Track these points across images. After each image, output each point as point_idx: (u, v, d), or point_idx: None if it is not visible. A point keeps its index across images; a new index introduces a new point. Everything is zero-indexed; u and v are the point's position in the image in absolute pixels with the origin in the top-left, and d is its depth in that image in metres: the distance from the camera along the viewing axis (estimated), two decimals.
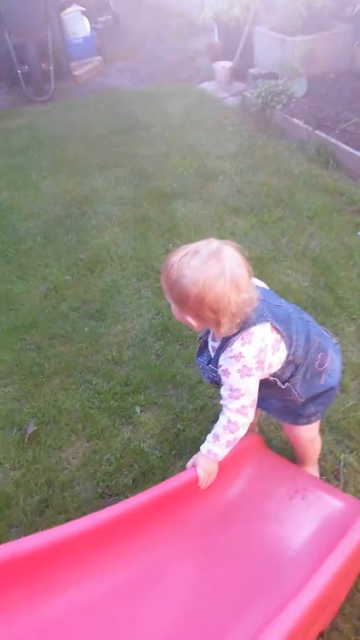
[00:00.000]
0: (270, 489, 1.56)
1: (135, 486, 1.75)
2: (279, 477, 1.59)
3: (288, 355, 1.36)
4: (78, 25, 5.74)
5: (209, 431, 1.44)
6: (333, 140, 3.50)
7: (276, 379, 1.40)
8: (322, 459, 1.77)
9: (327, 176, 3.36)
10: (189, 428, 1.91)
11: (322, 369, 1.44)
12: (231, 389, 1.35)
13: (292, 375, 1.40)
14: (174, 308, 1.30)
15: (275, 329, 1.32)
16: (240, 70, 4.94)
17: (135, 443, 1.89)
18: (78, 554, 1.33)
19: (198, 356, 1.52)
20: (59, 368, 2.22)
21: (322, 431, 1.83)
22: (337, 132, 3.60)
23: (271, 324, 1.31)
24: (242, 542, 1.45)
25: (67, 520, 1.48)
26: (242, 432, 1.41)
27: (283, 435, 1.84)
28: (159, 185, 3.49)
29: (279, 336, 1.33)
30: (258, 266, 2.55)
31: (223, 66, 4.99)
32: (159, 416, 1.98)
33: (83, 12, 5.76)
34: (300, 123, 3.81)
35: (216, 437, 1.42)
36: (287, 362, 1.37)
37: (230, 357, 1.31)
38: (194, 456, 1.47)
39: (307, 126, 3.74)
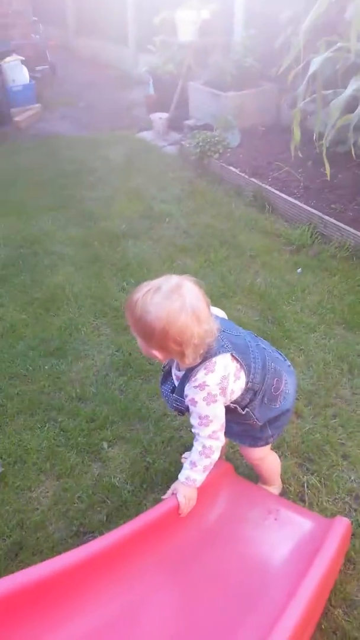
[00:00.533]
0: (243, 513, 1.61)
1: (110, 522, 1.74)
2: (250, 501, 1.66)
3: (247, 382, 1.45)
4: (18, 73, 5.86)
5: (178, 462, 1.50)
6: (267, 187, 3.79)
7: (236, 405, 1.48)
8: (286, 483, 1.86)
9: (265, 219, 3.61)
10: (158, 461, 1.94)
11: (277, 393, 1.54)
12: (200, 417, 1.42)
13: (250, 401, 1.49)
14: (140, 342, 1.37)
15: (235, 358, 1.41)
16: (176, 121, 5.23)
17: (105, 479, 1.89)
18: (59, 594, 1.30)
19: (162, 384, 1.57)
20: (21, 407, 2.19)
21: (284, 456, 1.93)
22: (270, 179, 3.91)
23: (231, 354, 1.40)
24: (223, 566, 1.48)
25: (43, 561, 1.45)
26: (216, 455, 1.47)
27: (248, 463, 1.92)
28: (108, 226, 3.58)
29: (238, 365, 1.43)
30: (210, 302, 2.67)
31: (160, 117, 5.26)
32: (128, 450, 2.00)
33: (22, 62, 5.91)
34: (237, 171, 4.09)
35: (193, 464, 1.47)
36: (247, 389, 1.46)
37: (195, 387, 1.38)
38: (173, 485, 1.51)
39: (243, 174, 4.02)
